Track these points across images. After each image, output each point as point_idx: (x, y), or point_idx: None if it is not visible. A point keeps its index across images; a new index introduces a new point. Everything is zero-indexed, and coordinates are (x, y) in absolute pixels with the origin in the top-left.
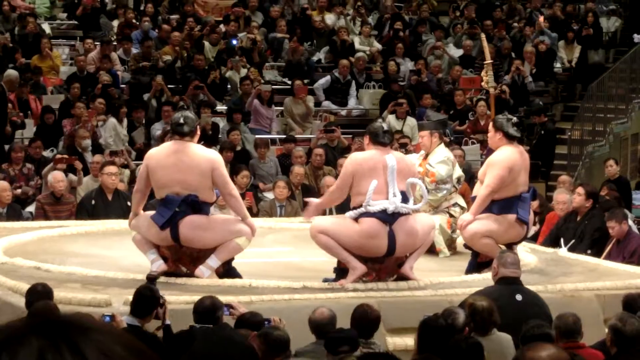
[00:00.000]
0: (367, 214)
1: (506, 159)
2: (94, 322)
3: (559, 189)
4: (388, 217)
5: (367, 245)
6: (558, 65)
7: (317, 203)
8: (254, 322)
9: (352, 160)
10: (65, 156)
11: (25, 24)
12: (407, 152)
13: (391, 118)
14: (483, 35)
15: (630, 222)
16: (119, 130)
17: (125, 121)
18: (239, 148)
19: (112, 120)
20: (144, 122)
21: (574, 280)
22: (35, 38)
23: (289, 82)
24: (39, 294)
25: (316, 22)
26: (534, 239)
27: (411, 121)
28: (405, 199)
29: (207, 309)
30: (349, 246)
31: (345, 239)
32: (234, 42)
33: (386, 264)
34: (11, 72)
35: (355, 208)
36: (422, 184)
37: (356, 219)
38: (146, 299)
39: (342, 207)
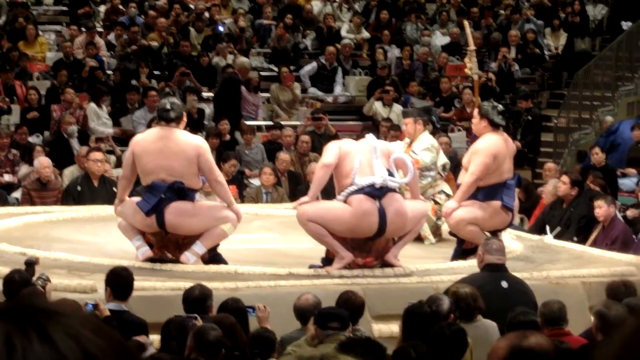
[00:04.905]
0: (356, 191)
1: (490, 147)
2: (63, 307)
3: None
4: (376, 192)
5: (359, 223)
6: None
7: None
8: (236, 308)
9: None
10: None
11: (16, 15)
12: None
13: (378, 105)
14: (466, 22)
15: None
16: (101, 114)
17: (104, 107)
18: (228, 137)
19: (92, 106)
20: (137, 105)
21: (559, 267)
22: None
23: (275, 69)
24: (14, 283)
25: (303, 9)
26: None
27: (398, 108)
28: (391, 176)
29: (197, 299)
30: (340, 229)
31: (336, 222)
32: (220, 28)
33: (373, 253)
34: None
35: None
36: (408, 157)
37: (345, 200)
38: (123, 279)
39: (328, 195)
